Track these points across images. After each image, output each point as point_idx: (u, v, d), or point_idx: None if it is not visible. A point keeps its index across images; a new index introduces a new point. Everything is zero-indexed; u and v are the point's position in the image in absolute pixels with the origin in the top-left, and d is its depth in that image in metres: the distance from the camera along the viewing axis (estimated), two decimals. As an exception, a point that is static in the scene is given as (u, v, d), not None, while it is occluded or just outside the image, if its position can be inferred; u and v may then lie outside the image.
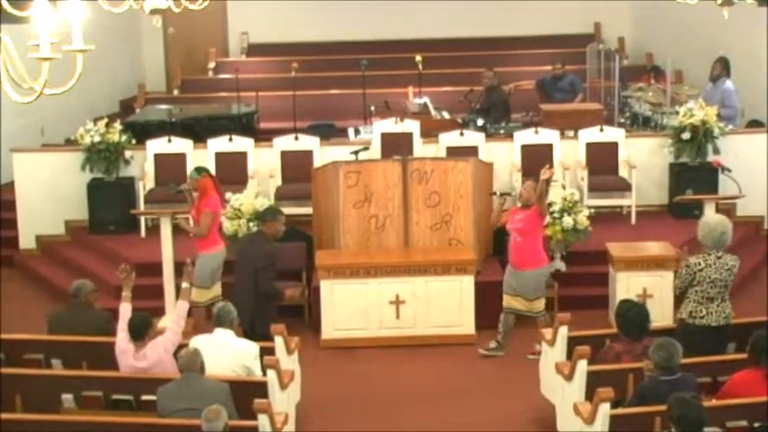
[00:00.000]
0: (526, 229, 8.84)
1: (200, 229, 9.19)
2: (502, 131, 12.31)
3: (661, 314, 9.11)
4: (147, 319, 7.22)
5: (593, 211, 10.47)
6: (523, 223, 8.86)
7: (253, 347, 7.23)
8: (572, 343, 7.34)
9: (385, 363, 9.15)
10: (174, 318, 7.51)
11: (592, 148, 11.77)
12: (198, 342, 7.14)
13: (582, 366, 6.87)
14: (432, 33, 16.94)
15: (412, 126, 11.91)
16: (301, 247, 10.09)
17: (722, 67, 12.58)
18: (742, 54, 13.04)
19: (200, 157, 11.78)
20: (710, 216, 7.82)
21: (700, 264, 7.43)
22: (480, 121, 12.39)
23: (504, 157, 11.69)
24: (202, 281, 9.17)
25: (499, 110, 12.91)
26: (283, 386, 7.06)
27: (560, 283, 10.04)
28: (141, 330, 7.07)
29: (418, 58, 13.53)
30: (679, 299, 7.83)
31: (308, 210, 10.74)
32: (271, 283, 8.60)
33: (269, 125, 13.73)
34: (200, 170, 9.42)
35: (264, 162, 11.81)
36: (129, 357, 7.04)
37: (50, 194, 11.73)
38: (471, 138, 11.80)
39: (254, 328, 8.24)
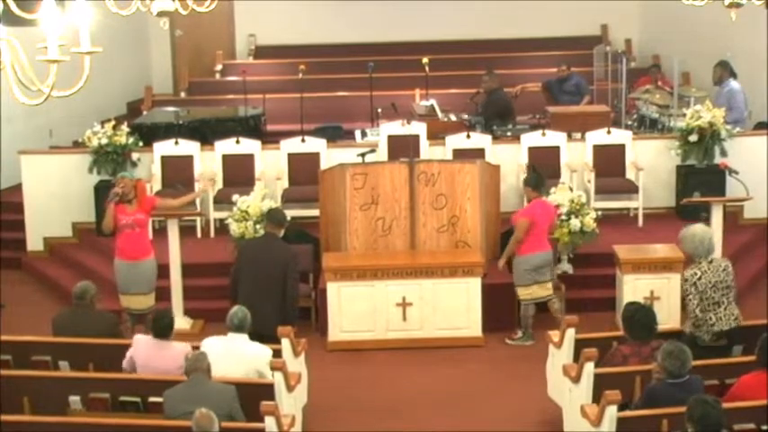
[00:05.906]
0: None
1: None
2: (509, 134, 12.32)
3: (668, 316, 9.11)
4: (172, 318, 7.28)
5: (600, 213, 10.45)
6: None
7: (266, 352, 7.16)
8: (579, 345, 7.32)
9: (392, 365, 9.15)
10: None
11: (599, 150, 11.75)
12: (210, 344, 7.14)
13: (589, 369, 6.86)
14: (439, 35, 16.92)
15: (419, 128, 11.92)
16: (308, 249, 10.08)
17: (723, 70, 12.54)
18: (749, 56, 13.00)
19: (208, 159, 11.81)
20: (692, 228, 7.67)
21: (696, 273, 7.40)
22: (481, 125, 12.40)
23: (511, 159, 11.70)
24: (149, 287, 9.24)
25: (497, 112, 12.86)
26: (290, 388, 7.05)
27: (567, 285, 10.03)
28: (168, 328, 7.11)
29: (425, 60, 13.54)
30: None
31: (314, 212, 10.73)
32: (298, 285, 8.68)
33: (276, 127, 13.73)
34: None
35: (271, 164, 11.82)
36: (151, 351, 7.08)
37: (58, 196, 11.76)
38: (478, 140, 11.80)
39: (270, 333, 7.72)
